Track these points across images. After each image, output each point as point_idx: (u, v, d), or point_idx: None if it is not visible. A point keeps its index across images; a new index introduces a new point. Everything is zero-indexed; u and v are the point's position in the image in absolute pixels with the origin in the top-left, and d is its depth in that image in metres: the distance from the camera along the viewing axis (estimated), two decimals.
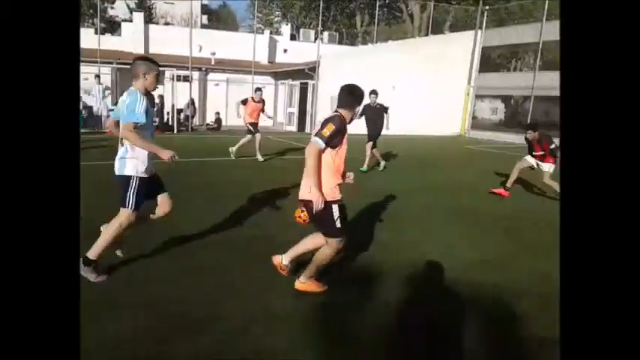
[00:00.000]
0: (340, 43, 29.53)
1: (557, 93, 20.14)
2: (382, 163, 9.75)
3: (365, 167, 9.35)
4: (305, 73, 19.67)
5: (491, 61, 28.62)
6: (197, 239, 4.39)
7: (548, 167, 7.15)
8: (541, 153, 7.21)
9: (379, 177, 8.92)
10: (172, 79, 17.01)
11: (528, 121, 21.15)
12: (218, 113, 19.61)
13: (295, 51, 24.47)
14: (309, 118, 20.24)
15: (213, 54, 21.46)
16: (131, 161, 3.26)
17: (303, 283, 3.35)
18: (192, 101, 18.50)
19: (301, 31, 27.49)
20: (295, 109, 21.09)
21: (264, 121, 11.38)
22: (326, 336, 2.86)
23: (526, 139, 7.29)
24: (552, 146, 7.05)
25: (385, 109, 9.43)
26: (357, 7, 33.15)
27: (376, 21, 24.75)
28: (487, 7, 23.79)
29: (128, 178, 3.26)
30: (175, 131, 16.67)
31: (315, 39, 23.46)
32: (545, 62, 33.40)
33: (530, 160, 7.42)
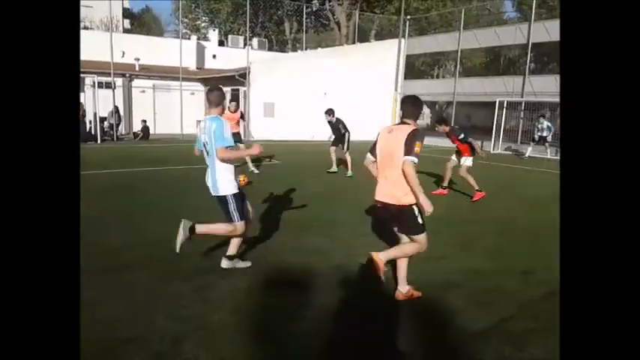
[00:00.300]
0: (270, 49, 29.50)
1: (475, 98, 21.49)
2: (334, 168, 10.50)
3: (350, 173, 9.93)
4: (235, 80, 19.42)
5: (415, 68, 29.93)
6: (123, 256, 4.16)
7: (463, 160, 7.76)
8: (457, 147, 7.85)
9: (315, 181, 8.98)
10: (93, 85, 16.06)
11: (452, 125, 22.32)
12: (145, 121, 18.77)
13: (224, 57, 24.11)
14: (242, 124, 19.98)
15: (138, 60, 20.57)
16: (226, 183, 3.75)
17: (406, 293, 3.47)
18: (116, 109, 17.55)
19: (230, 37, 27.13)
20: None
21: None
22: (263, 346, 2.82)
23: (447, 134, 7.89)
24: (461, 136, 7.65)
25: (344, 128, 10.21)
26: (284, 14, 33.32)
27: (304, 28, 25.04)
28: (409, 17, 24.89)
29: (226, 197, 3.75)
30: (99, 141, 15.73)
31: (244, 45, 23.24)
32: (465, 69, 35.56)
33: (454, 158, 8.01)
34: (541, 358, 2.68)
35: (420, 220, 3.36)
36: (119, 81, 19.25)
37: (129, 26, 37.34)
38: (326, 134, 12.65)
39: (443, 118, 8.62)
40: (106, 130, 17.03)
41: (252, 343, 2.81)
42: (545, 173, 11.70)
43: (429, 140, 21.80)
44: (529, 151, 16.18)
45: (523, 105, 18.64)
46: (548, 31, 18.52)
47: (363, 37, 28.45)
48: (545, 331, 3.00)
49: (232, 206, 3.77)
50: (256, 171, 10.08)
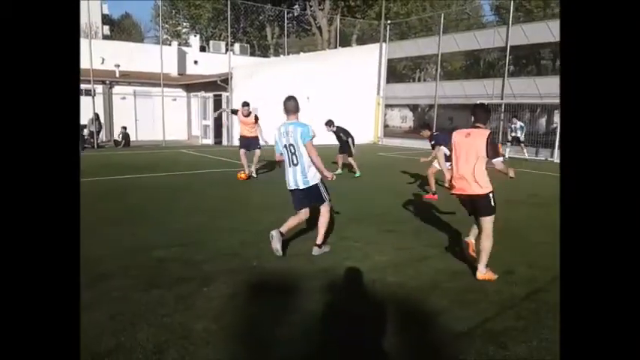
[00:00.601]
0: (252, 54, 29.45)
1: (457, 101, 21.75)
2: (339, 170, 10.86)
3: (358, 172, 10.68)
4: (218, 85, 19.30)
5: (397, 72, 30.20)
6: (105, 265, 4.08)
7: (435, 163, 7.97)
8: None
9: None
10: None
11: (434, 127, 22.55)
12: (125, 128, 18.51)
13: (206, 62, 23.97)
14: (226, 130, 19.87)
15: (118, 66, 20.32)
16: (314, 174, 4.50)
17: (485, 273, 3.95)
18: (96, 116, 17.29)
19: (211, 42, 26.99)
20: (210, 122, 20.61)
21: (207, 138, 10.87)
22: (248, 352, 2.79)
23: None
24: (432, 142, 7.94)
25: (346, 135, 10.95)
26: (266, 20, 33.32)
27: (285, 33, 25.06)
28: (389, 22, 25.11)
29: (317, 185, 4.53)
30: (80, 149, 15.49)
31: (226, 50, 23.15)
32: (446, 72, 36.01)
33: (435, 163, 8.06)
34: (524, 357, 2.70)
35: (492, 204, 3.99)
36: (99, 88, 18.98)
37: (108, 32, 36.88)
38: (268, 137, 12.67)
39: (426, 124, 9.22)
40: (86, 137, 16.75)
41: (237, 350, 2.78)
42: (524, 174, 11.87)
43: (411, 143, 21.99)
44: (507, 152, 16.46)
45: (503, 107, 18.94)
46: (526, 34, 18.90)
47: (344, 41, 28.60)
48: (528, 329, 3.03)
49: (322, 189, 4.58)
50: (254, 175, 10.08)
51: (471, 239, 4.50)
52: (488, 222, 4.00)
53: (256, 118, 10.11)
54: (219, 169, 11.55)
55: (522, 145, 15.99)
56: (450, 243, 5.12)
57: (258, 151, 10.05)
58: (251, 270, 4.08)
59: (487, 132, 3.99)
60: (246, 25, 31.90)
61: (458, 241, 5.22)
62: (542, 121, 29.92)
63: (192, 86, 21.42)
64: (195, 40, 25.90)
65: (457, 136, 4.12)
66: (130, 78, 20.39)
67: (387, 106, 26.37)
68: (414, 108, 38.67)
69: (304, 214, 4.68)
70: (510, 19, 19.58)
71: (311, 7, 31.65)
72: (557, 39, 19.08)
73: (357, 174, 10.69)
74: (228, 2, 20.51)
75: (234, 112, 10.13)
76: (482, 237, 4.04)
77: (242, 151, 9.97)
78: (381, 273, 4.08)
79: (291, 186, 4.59)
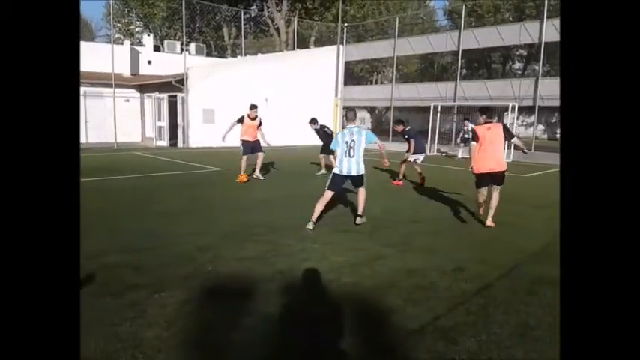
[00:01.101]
0: (209, 55, 28.95)
1: (412, 103, 22.23)
2: (323, 171, 11.05)
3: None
4: (173, 86, 18.87)
5: (355, 74, 30.54)
6: None
7: (406, 155, 9.77)
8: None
9: (257, 188, 8.90)
10: None
11: (390, 129, 22.96)
12: None
13: (161, 63, 23.36)
14: (181, 131, 19.44)
15: None
16: (363, 165, 5.93)
17: (491, 223, 5.99)
18: None
19: (166, 42, 26.32)
20: (165, 123, 20.10)
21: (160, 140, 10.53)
22: (202, 359, 2.74)
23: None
24: (406, 136, 9.66)
25: (330, 132, 11.14)
26: (222, 20, 32.88)
27: (242, 34, 24.82)
28: (346, 24, 25.39)
29: (363, 174, 5.91)
30: None
31: (182, 50, 22.66)
32: (402, 75, 36.75)
33: (410, 157, 9.70)
34: (473, 351, 2.80)
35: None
36: None
37: None
38: (269, 140, 12.77)
39: (400, 120, 10.29)
40: None
41: (190, 356, 2.73)
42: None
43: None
44: (460, 152, 17.10)
45: (456, 109, 19.56)
46: (477, 38, 19.61)
47: (302, 43, 28.66)
48: (477, 324, 3.15)
49: (365, 177, 5.95)
50: (261, 178, 10.11)
51: (480, 202, 6.25)
52: (499, 189, 6.00)
53: (260, 122, 10.09)
54: (176, 172, 11.29)
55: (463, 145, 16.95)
56: (406, 241, 5.23)
57: (261, 154, 9.97)
58: (206, 275, 4.01)
59: (500, 123, 5.98)
60: (202, 24, 31.35)
61: (413, 239, 5.35)
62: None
63: (146, 87, 20.83)
64: (148, 40, 25.18)
65: (481, 131, 5.83)
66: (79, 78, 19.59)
67: (346, 107, 26.62)
68: (371, 110, 39.27)
69: (329, 196, 5.93)
70: (462, 24, 20.26)
71: (268, 8, 31.51)
72: (506, 43, 19.94)
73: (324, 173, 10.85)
74: (183, 1, 20.10)
75: (240, 120, 9.94)
76: (494, 200, 5.95)
77: (245, 157, 9.83)
78: (337, 273, 4.11)
79: (345, 173, 5.83)
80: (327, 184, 5.89)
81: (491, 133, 5.77)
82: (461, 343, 2.89)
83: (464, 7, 22.05)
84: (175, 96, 19.40)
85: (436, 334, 2.98)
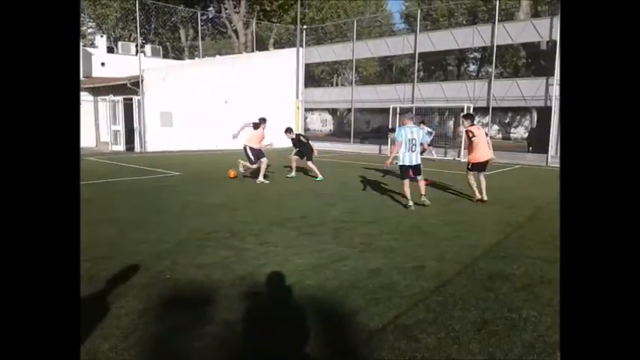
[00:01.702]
0: (165, 56, 28.28)
1: (371, 105, 22.54)
2: (293, 174, 11.40)
3: (320, 176, 10.90)
4: (128, 88, 18.31)
5: (315, 76, 30.63)
6: None
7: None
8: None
9: (216, 192, 8.75)
10: None
11: (352, 131, 23.21)
12: None
13: (114, 64, 22.62)
14: (138, 135, 18.89)
15: None
16: (420, 158, 7.69)
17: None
18: None
19: (120, 43, 25.51)
20: (121, 127, 19.46)
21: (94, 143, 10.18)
22: None
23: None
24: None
25: (305, 139, 11.52)
26: (179, 21, 32.22)
27: (199, 35, 24.42)
28: (305, 27, 25.46)
29: (420, 163, 7.65)
30: None
31: (137, 52, 22.02)
32: (362, 78, 37.16)
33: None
34: (433, 347, 2.85)
35: None
36: None
37: None
38: (229, 143, 12.83)
39: (392, 129, 12.17)
40: None
41: None
42: (435, 173, 12.61)
43: (332, 146, 22.45)
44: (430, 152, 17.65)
45: (414, 110, 19.98)
46: (433, 41, 20.11)
47: (261, 45, 28.50)
48: (437, 321, 3.21)
49: (421, 165, 7.70)
50: (266, 182, 10.26)
51: (475, 189, 8.14)
52: (484, 173, 8.21)
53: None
54: (132, 177, 10.94)
55: (430, 147, 17.15)
56: (367, 242, 5.28)
57: (265, 159, 10.44)
58: (164, 283, 3.90)
59: (480, 126, 8.73)
60: (157, 26, 30.56)
61: (374, 239, 5.41)
62: (451, 123, 31.99)
63: (100, 89, 20.11)
64: (101, 41, 24.30)
65: (477, 130, 8.01)
66: None
67: (307, 109, 26.68)
68: (333, 112, 39.52)
69: (408, 182, 7.54)
70: (418, 27, 20.73)
71: (226, 9, 31.13)
72: (461, 46, 20.56)
73: (319, 178, 10.80)
74: (137, 1, 19.56)
75: (256, 127, 10.63)
76: (483, 182, 8.05)
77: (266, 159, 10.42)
78: (300, 276, 4.10)
79: (408, 163, 7.43)
80: (401, 176, 7.65)
81: (480, 132, 8.02)
82: (422, 340, 2.93)
83: (419, 10, 22.60)
84: (131, 99, 18.84)
85: (398, 333, 3.02)
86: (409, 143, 7.34)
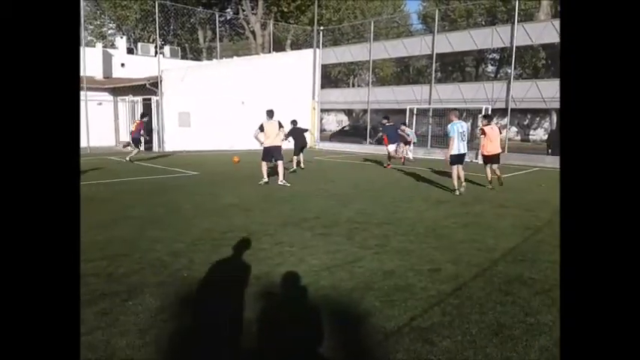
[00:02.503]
0: (184, 57, 28.61)
1: (388, 106, 22.42)
2: (294, 168, 12.71)
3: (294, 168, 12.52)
4: (147, 89, 18.57)
5: (332, 77, 30.63)
6: None
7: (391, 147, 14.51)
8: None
9: (230, 191, 8.81)
10: None
11: (367, 131, 23.15)
12: None
13: (134, 65, 22.97)
14: (157, 135, 19.13)
15: None
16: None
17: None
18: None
19: (139, 44, 25.89)
20: None
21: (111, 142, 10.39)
22: None
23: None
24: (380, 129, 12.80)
25: (305, 130, 13.63)
26: (197, 22, 32.54)
27: (217, 37, 24.64)
28: (322, 28, 25.47)
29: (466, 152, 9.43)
30: None
31: (156, 53, 22.32)
32: (378, 78, 37.02)
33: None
34: (449, 351, 2.82)
35: None
36: None
37: None
38: (245, 144, 13.30)
39: (386, 117, 14.29)
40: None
41: None
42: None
43: (347, 147, 22.41)
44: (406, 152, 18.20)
45: (431, 112, 19.82)
46: (451, 42, 19.92)
47: (278, 46, 28.60)
48: (453, 324, 3.17)
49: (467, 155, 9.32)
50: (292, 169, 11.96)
51: (489, 177, 9.92)
52: (497, 165, 9.84)
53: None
54: (150, 177, 11.08)
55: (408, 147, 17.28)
56: (382, 243, 5.25)
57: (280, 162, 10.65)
58: (181, 281, 3.94)
59: (496, 126, 10.48)
60: (176, 27, 30.93)
61: (389, 241, 5.37)
62: (469, 124, 31.58)
63: (120, 90, 20.43)
64: (121, 42, 24.70)
65: (488, 129, 9.75)
66: None
67: (323, 110, 26.69)
68: (349, 112, 39.46)
69: (457, 168, 9.06)
70: (436, 28, 20.56)
71: (244, 11, 31.35)
72: (479, 47, 20.33)
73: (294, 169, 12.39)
74: (156, 3, 19.82)
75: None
76: (497, 171, 9.75)
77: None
78: (315, 276, 4.09)
79: (459, 152, 8.98)
80: (450, 162, 9.00)
81: (493, 130, 9.89)
82: (437, 343, 2.90)
83: (437, 11, 22.41)
84: (150, 99, 19.10)
85: (413, 335, 3.00)
86: (461, 136, 9.02)
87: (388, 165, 14.27)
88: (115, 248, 4.78)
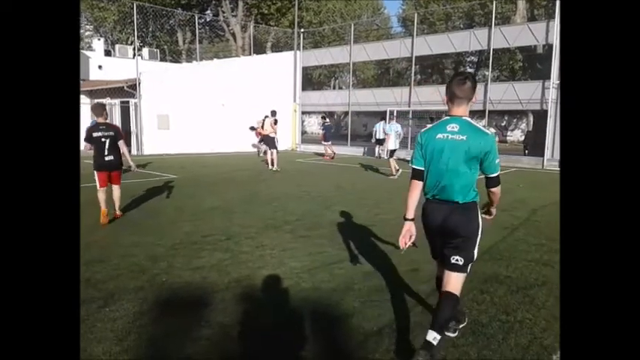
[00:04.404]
0: (163, 59, 28.28)
1: (368, 108, 22.54)
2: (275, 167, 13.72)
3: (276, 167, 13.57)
4: (125, 91, 18.29)
5: (313, 79, 30.66)
6: None
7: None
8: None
9: (211, 193, 8.74)
10: None
11: (348, 133, 23.26)
12: None
13: (112, 67, 22.64)
14: (135, 138, 18.85)
15: None
16: None
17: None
18: None
19: (117, 46, 25.51)
20: None
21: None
22: None
23: None
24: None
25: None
26: (177, 24, 32.23)
27: (197, 38, 24.44)
28: (302, 30, 25.51)
29: None
30: None
31: (134, 55, 22.02)
32: (360, 81, 37.19)
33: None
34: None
35: None
36: None
37: None
38: (226, 146, 13.44)
39: (323, 116, 14.22)
40: None
41: None
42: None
43: (343, 149, 22.44)
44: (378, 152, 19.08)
45: (411, 114, 20.03)
46: (430, 45, 20.17)
47: (259, 48, 28.54)
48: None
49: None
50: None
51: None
52: None
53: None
54: (129, 181, 10.89)
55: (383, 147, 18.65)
56: (363, 244, 5.28)
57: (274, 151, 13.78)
58: (160, 286, 3.89)
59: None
60: (155, 29, 30.57)
61: (370, 242, 5.41)
62: None
63: (97, 92, 20.08)
64: (99, 44, 24.31)
65: None
66: None
67: (304, 112, 26.69)
68: (330, 115, 39.56)
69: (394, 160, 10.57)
70: (415, 31, 20.80)
71: (224, 13, 31.17)
72: (457, 50, 20.64)
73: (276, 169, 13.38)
74: (135, 4, 19.56)
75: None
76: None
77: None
78: (295, 279, 4.09)
79: (395, 147, 10.82)
80: (390, 155, 11.58)
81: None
82: (417, 343, 2.93)
83: (416, 14, 22.68)
84: (128, 102, 18.82)
85: (393, 336, 3.02)
86: (396, 135, 11.07)
87: (325, 157, 18.06)
88: (93, 254, 4.70)
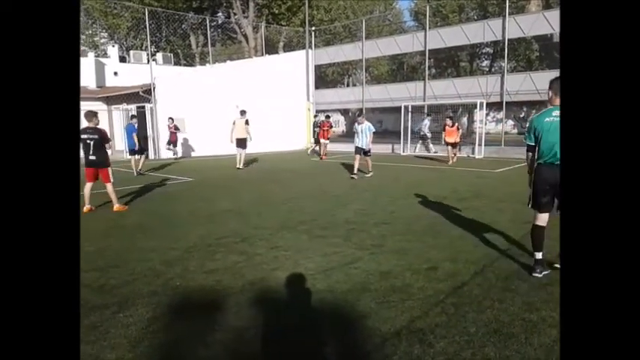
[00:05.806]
0: (177, 64, 28.55)
1: (383, 104, 22.35)
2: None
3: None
4: (140, 96, 18.49)
5: (326, 77, 30.55)
6: None
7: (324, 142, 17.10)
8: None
9: (226, 196, 8.74)
10: None
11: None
12: None
13: (127, 73, 22.93)
14: (152, 142, 19.04)
15: None
16: None
17: None
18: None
19: (131, 52, 25.83)
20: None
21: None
22: None
23: None
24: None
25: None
26: (189, 28, 32.47)
27: (209, 41, 24.58)
28: (314, 28, 25.41)
29: None
30: None
31: (148, 60, 22.25)
32: (373, 77, 36.92)
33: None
34: (448, 352, 2.75)
35: None
36: None
37: None
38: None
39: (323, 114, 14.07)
40: None
41: None
42: (444, 169, 12.40)
43: (344, 147, 22.34)
44: (417, 148, 18.48)
45: (426, 108, 19.77)
46: (443, 38, 19.88)
47: (271, 48, 28.56)
48: (451, 324, 3.10)
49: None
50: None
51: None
52: None
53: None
54: (146, 184, 10.99)
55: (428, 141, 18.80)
56: (379, 243, 5.18)
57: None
58: (174, 290, 3.86)
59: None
60: (168, 33, 30.85)
61: (386, 241, 5.30)
62: (464, 120, 31.61)
63: (113, 98, 20.38)
64: (114, 51, 24.65)
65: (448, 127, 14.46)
66: None
67: (318, 111, 26.61)
68: (344, 112, 39.41)
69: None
70: (427, 24, 20.52)
71: (235, 14, 31.28)
72: (472, 41, 20.29)
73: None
74: (146, 11, 19.75)
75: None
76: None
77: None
78: (311, 280, 4.02)
79: (369, 146, 11.48)
80: (364, 152, 11.50)
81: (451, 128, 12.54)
82: (436, 345, 2.83)
83: (428, 7, 22.37)
84: (144, 107, 19.02)
85: (411, 338, 2.93)
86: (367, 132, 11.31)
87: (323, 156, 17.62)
88: (107, 259, 4.71)
